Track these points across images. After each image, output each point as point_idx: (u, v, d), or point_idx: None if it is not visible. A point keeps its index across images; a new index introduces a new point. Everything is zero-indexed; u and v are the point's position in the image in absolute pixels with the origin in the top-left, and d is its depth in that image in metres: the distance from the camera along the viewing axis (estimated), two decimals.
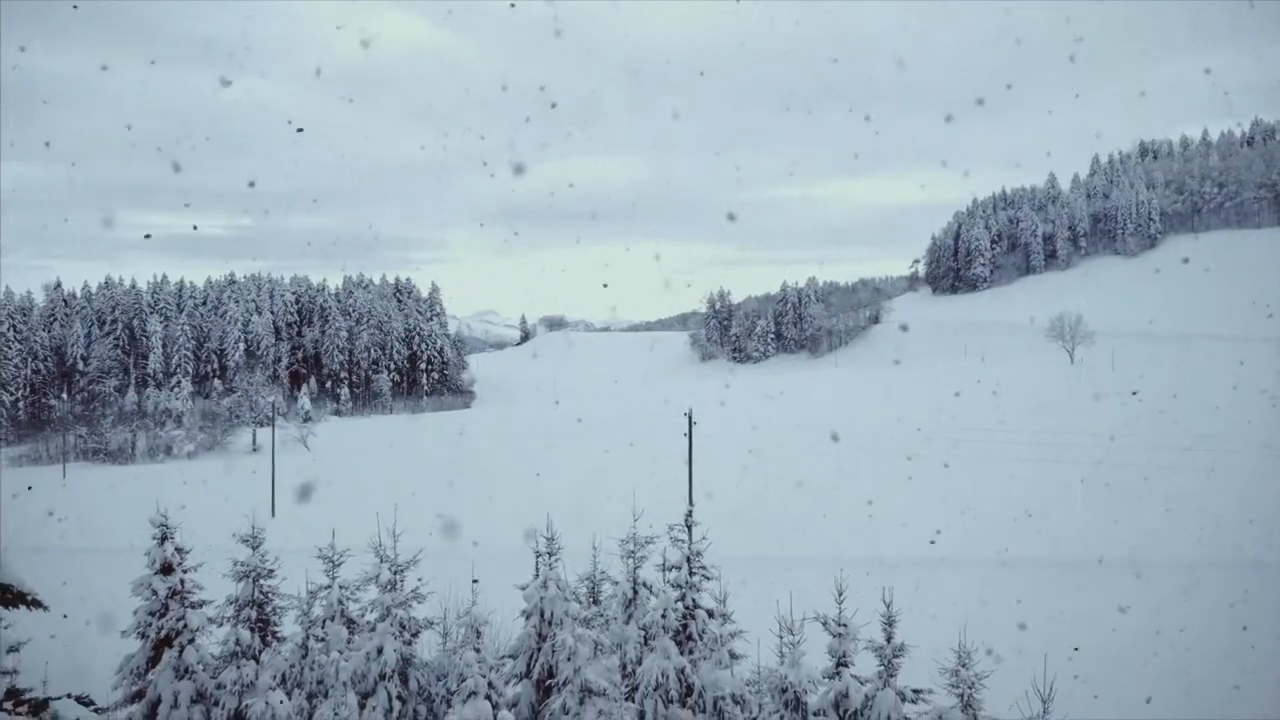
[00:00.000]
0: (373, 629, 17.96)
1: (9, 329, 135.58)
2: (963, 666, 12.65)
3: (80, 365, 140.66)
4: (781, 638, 13.37)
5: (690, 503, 26.08)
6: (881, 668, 13.14)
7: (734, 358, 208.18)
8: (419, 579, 18.64)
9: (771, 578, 18.70)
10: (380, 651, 16.79)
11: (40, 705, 6.03)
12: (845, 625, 13.57)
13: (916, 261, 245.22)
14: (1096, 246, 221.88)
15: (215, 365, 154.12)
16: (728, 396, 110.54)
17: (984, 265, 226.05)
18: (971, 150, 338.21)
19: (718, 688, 14.38)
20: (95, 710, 10.31)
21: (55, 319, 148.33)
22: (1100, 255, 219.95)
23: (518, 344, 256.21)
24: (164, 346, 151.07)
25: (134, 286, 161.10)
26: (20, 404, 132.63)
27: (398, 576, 17.68)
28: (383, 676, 16.75)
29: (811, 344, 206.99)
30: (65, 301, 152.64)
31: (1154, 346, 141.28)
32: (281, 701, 15.22)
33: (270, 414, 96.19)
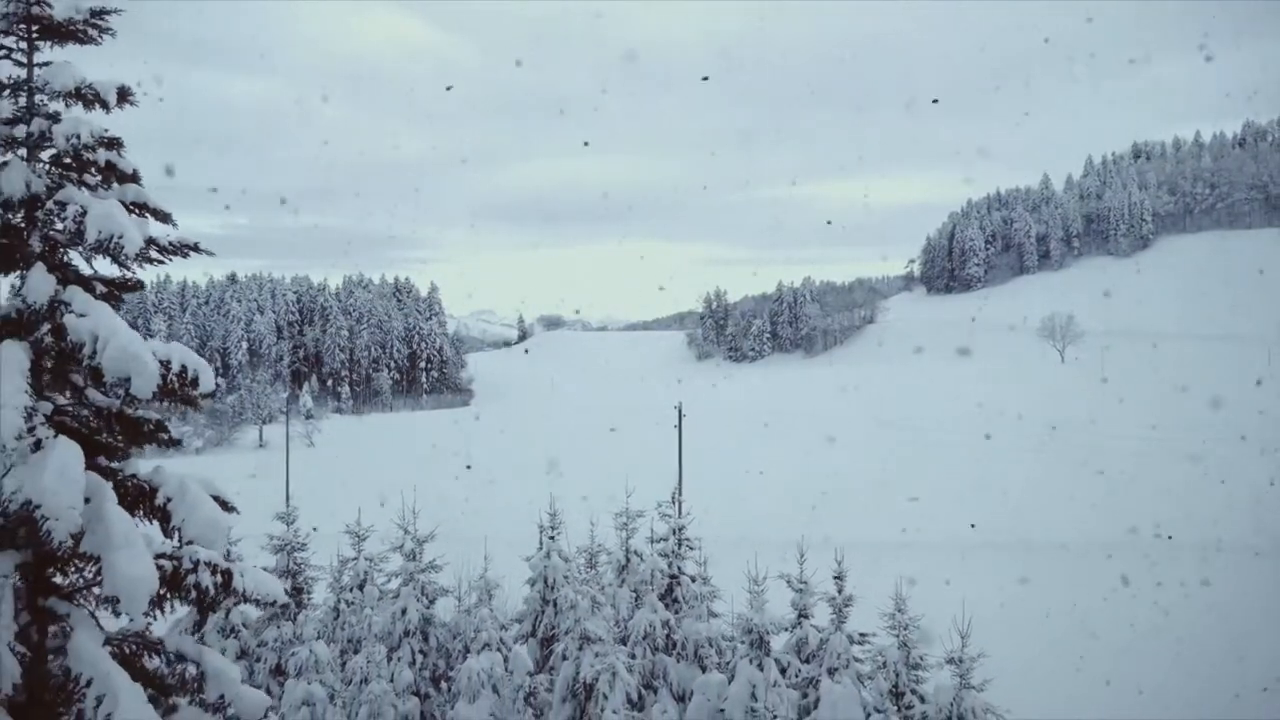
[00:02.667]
0: (396, 595, 20.33)
1: None
2: (899, 611, 15.01)
3: None
4: (750, 591, 15.70)
5: (680, 486, 28.38)
6: (834, 615, 15.49)
7: (730, 357, 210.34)
8: (433, 558, 21.06)
9: (747, 554, 21.04)
10: (405, 612, 19.13)
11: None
12: (805, 583, 15.92)
13: (912, 261, 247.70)
14: (1089, 247, 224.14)
15: (218, 364, 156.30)
16: (725, 394, 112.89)
17: (978, 265, 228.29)
18: (966, 150, 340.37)
19: (697, 634, 16.77)
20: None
21: None
22: (1093, 255, 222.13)
23: (515, 343, 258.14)
24: None
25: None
26: None
27: (419, 547, 20.01)
28: (407, 634, 19.09)
29: (807, 343, 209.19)
30: None
31: (1145, 346, 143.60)
32: (324, 650, 17.51)
33: (278, 411, 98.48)
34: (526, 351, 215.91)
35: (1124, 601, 31.97)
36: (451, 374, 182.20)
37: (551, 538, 20.09)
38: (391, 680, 17.66)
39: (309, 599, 21.07)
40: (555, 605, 19.53)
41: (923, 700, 14.57)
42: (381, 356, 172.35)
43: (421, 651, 19.16)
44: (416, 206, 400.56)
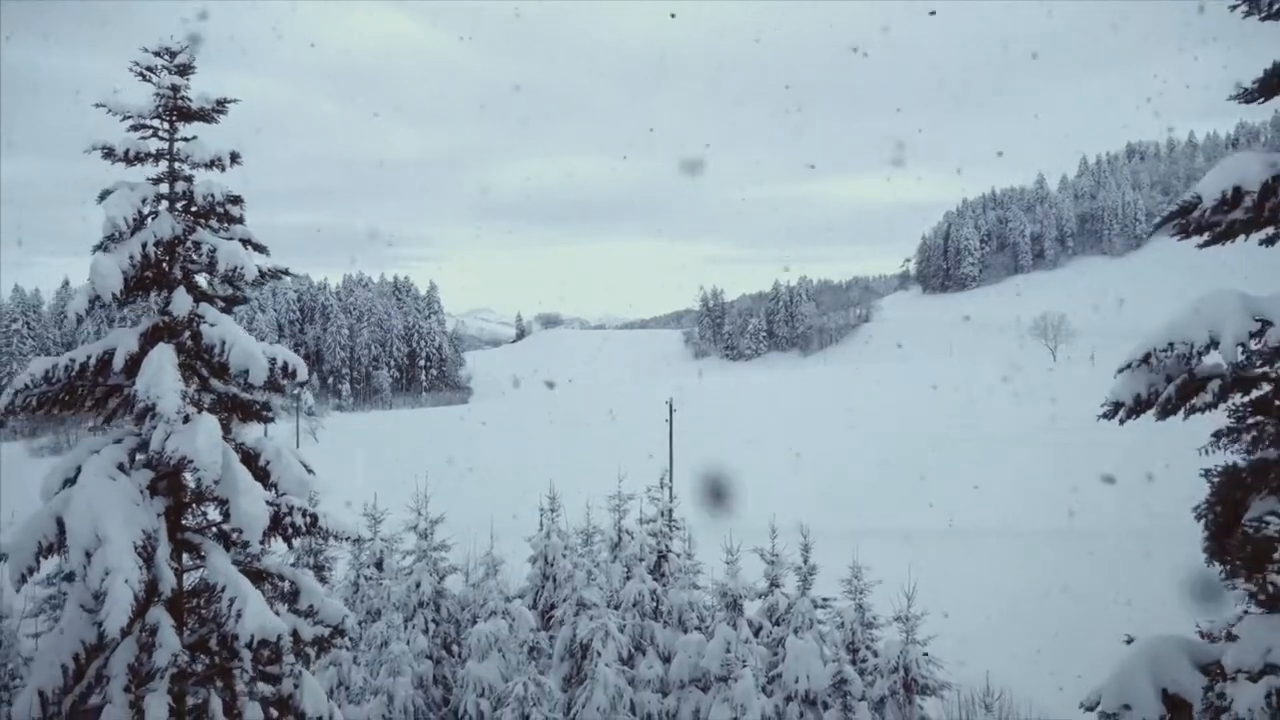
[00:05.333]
0: (410, 572, 22.38)
1: (22, 325, 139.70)
2: (855, 578, 17.07)
3: None
4: (727, 562, 17.76)
5: (670, 473, 30.46)
6: (800, 583, 17.55)
7: (727, 355, 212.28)
8: (442, 539, 23.11)
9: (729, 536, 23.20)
10: (419, 585, 21.18)
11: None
12: (777, 555, 17.98)
13: (907, 260, 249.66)
14: (1083, 246, 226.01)
15: None
16: (718, 392, 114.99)
17: (973, 264, 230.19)
18: (962, 150, 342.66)
19: (682, 602, 18.86)
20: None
21: (65, 316, 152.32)
22: (1087, 255, 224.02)
23: (513, 341, 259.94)
24: None
25: None
26: None
27: (431, 527, 22.05)
28: (421, 605, 21.13)
29: (803, 342, 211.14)
30: (74, 299, 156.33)
31: (1135, 345, 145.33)
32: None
33: (280, 408, 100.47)
34: (529, 352, 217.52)
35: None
36: (450, 372, 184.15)
37: (552, 519, 22.17)
38: (408, 644, 19.71)
39: (330, 575, 23.11)
40: (554, 580, 21.60)
41: (875, 654, 16.65)
42: (381, 355, 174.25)
43: (434, 620, 21.20)
44: (414, 205, 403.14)
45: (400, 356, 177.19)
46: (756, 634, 17.67)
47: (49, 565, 23.97)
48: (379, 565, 22.73)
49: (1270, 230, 8.60)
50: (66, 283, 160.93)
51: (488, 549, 21.53)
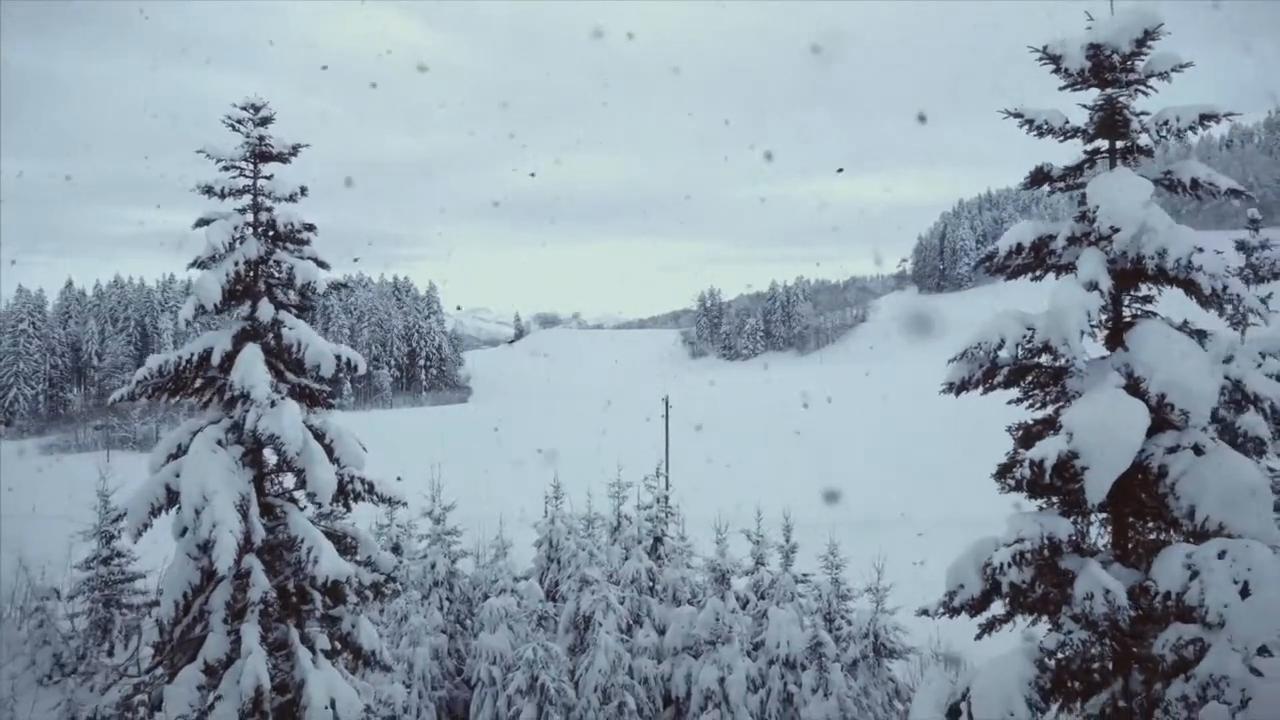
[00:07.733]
0: (424, 555, 24.19)
1: (29, 325, 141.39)
2: (831, 554, 18.92)
3: (95, 361, 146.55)
4: (716, 541, 19.61)
5: (666, 464, 32.33)
6: (783, 560, 19.39)
7: (724, 355, 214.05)
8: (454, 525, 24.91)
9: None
10: (434, 566, 23.00)
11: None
12: (762, 536, 19.82)
13: (904, 261, 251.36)
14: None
15: None
16: (717, 390, 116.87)
17: (969, 265, 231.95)
18: (959, 150, 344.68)
19: (676, 579, 20.73)
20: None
21: (70, 316, 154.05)
22: None
23: (511, 341, 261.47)
24: (175, 343, 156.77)
25: (143, 285, 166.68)
26: (40, 397, 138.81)
27: (444, 512, 23.87)
28: (435, 584, 22.95)
29: (800, 342, 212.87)
30: (77, 300, 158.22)
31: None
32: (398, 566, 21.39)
33: None
34: (530, 353, 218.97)
35: None
36: (450, 371, 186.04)
37: (556, 505, 24.01)
38: (424, 619, 21.53)
39: None
40: (559, 561, 23.44)
41: (849, 623, 18.49)
42: (381, 354, 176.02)
43: (448, 599, 23.04)
44: (413, 205, 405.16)
45: (400, 356, 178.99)
46: (744, 607, 19.51)
47: (86, 550, 25.81)
48: (396, 549, 24.52)
49: (1039, 272, 12.15)
50: (70, 283, 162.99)
51: (497, 533, 23.32)
